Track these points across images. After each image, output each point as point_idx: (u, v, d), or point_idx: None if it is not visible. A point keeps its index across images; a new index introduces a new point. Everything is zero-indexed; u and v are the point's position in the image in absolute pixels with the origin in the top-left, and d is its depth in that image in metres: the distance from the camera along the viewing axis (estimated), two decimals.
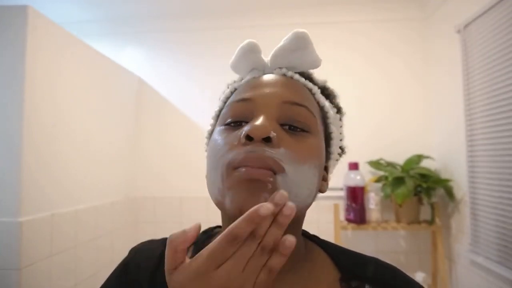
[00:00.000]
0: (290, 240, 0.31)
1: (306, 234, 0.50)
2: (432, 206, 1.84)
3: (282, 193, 0.31)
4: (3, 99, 1.25)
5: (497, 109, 1.45)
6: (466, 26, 1.65)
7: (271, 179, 0.36)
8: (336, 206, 1.92)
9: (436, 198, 1.94)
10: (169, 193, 2.21)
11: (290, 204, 0.31)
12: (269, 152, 0.37)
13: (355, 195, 1.86)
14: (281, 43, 0.45)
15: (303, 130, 0.41)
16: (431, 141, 2.08)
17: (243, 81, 0.47)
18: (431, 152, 2.01)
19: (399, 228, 1.86)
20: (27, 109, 1.26)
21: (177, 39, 2.31)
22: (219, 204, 0.40)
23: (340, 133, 0.50)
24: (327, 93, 0.50)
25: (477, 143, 1.60)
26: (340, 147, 0.50)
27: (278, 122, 0.40)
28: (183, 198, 2.17)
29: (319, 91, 0.47)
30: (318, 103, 0.46)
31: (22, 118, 1.24)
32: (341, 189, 1.97)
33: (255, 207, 0.30)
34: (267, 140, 0.37)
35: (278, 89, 0.42)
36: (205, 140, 0.50)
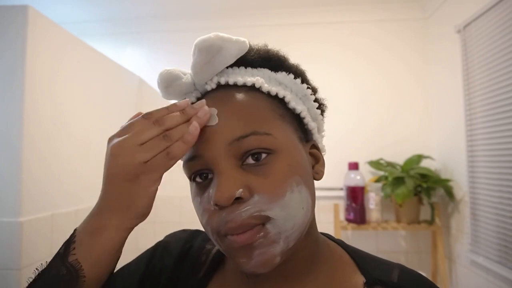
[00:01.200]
0: (194, 125, 0.35)
1: (330, 238, 0.50)
2: (432, 206, 1.84)
3: (201, 102, 0.37)
4: (3, 99, 1.25)
5: (497, 109, 1.45)
6: (466, 26, 1.65)
7: (261, 233, 0.36)
8: (336, 206, 1.92)
9: (436, 198, 1.94)
10: (169, 193, 2.20)
11: (205, 109, 0.37)
12: (246, 211, 0.35)
13: (355, 195, 1.86)
14: (192, 60, 0.41)
15: (266, 154, 0.37)
16: (431, 141, 2.08)
17: None
18: (431, 152, 2.01)
19: (399, 228, 1.86)
20: (27, 109, 1.26)
21: (177, 39, 2.31)
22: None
23: (311, 94, 0.44)
24: (274, 64, 0.43)
25: (477, 143, 1.60)
26: (319, 107, 0.45)
27: (237, 165, 0.37)
28: (183, 198, 2.17)
29: (264, 75, 0.42)
30: (269, 93, 0.41)
31: (22, 118, 1.24)
32: (341, 189, 1.98)
33: (176, 103, 0.38)
34: (237, 199, 0.36)
35: (220, 128, 0.37)
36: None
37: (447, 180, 1.82)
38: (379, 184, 1.93)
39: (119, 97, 2.06)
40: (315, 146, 0.45)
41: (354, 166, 1.92)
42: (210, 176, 0.38)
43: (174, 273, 0.48)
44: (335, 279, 0.43)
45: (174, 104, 0.38)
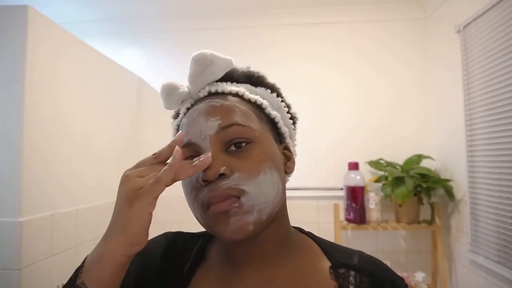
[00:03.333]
0: (177, 149, 0.42)
1: (302, 231, 0.57)
2: (432, 206, 1.84)
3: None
4: (3, 99, 1.25)
5: (497, 109, 1.45)
6: (465, 26, 1.65)
7: (236, 204, 0.43)
8: (336, 206, 1.92)
9: (436, 198, 1.94)
10: (169, 193, 2.19)
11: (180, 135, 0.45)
12: (226, 184, 0.43)
13: (355, 195, 1.86)
14: (189, 70, 0.50)
15: (246, 143, 0.46)
16: (431, 141, 2.08)
17: (179, 117, 0.53)
18: (431, 152, 2.01)
19: (399, 228, 1.86)
20: (27, 109, 1.26)
21: (177, 39, 2.31)
22: (209, 231, 0.48)
23: (285, 107, 0.54)
24: (255, 81, 0.54)
25: (477, 143, 1.60)
26: (291, 118, 0.55)
27: (222, 150, 0.46)
28: (183, 198, 2.16)
29: (246, 88, 0.52)
30: (249, 100, 0.50)
31: (22, 118, 1.24)
32: (341, 189, 1.98)
33: (174, 139, 0.45)
34: (221, 175, 0.44)
35: (209, 121, 0.46)
36: None
37: (447, 180, 1.82)
38: (379, 184, 1.93)
39: (119, 97, 2.06)
40: (287, 148, 0.54)
41: (354, 166, 1.92)
42: None
43: (161, 271, 0.54)
44: (305, 263, 0.51)
45: (173, 140, 0.45)
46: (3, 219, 1.20)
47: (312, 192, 2.08)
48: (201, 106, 0.48)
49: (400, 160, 1.99)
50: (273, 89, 0.54)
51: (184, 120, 0.50)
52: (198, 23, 2.28)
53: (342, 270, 0.49)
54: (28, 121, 1.26)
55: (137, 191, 0.40)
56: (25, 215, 1.23)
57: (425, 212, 1.90)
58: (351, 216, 1.87)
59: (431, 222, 1.84)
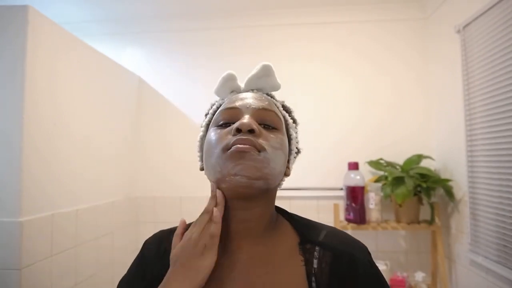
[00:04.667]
0: (215, 210, 0.52)
1: (279, 209, 0.63)
2: (432, 206, 1.84)
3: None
4: (3, 99, 1.25)
5: (497, 109, 1.45)
6: (465, 26, 1.65)
7: (256, 151, 0.51)
8: (336, 206, 1.92)
9: (436, 198, 1.94)
10: (169, 193, 2.21)
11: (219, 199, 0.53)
12: (254, 138, 0.51)
13: (355, 195, 1.86)
14: (253, 71, 0.61)
15: (274, 128, 0.56)
16: (431, 141, 2.08)
17: (226, 99, 0.62)
18: (431, 152, 2.01)
19: (399, 228, 1.87)
20: (27, 109, 1.26)
21: (177, 39, 2.31)
22: (219, 182, 0.53)
23: (297, 137, 0.64)
24: (286, 109, 0.65)
25: (477, 143, 1.60)
26: (297, 148, 0.64)
27: (258, 121, 0.55)
28: (183, 198, 2.18)
29: (280, 106, 0.64)
30: (280, 113, 0.61)
31: (22, 118, 1.24)
32: (341, 189, 1.98)
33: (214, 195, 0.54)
34: (251, 131, 0.52)
35: (254, 100, 0.58)
36: (197, 143, 0.64)
37: (447, 180, 1.82)
38: (379, 184, 1.93)
39: (119, 97, 2.06)
40: (288, 160, 0.61)
41: (354, 166, 1.92)
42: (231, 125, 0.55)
43: (162, 265, 0.57)
44: (279, 240, 0.57)
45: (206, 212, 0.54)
46: (3, 219, 1.20)
47: (312, 192, 2.08)
48: (254, 93, 0.61)
49: (400, 160, 1.99)
50: (295, 121, 0.65)
51: (238, 95, 0.60)
52: (198, 23, 2.28)
53: (308, 246, 0.55)
54: (28, 121, 1.26)
55: (204, 244, 0.51)
56: (25, 215, 1.23)
57: (425, 212, 1.90)
58: (351, 216, 1.87)
59: (431, 222, 1.84)
